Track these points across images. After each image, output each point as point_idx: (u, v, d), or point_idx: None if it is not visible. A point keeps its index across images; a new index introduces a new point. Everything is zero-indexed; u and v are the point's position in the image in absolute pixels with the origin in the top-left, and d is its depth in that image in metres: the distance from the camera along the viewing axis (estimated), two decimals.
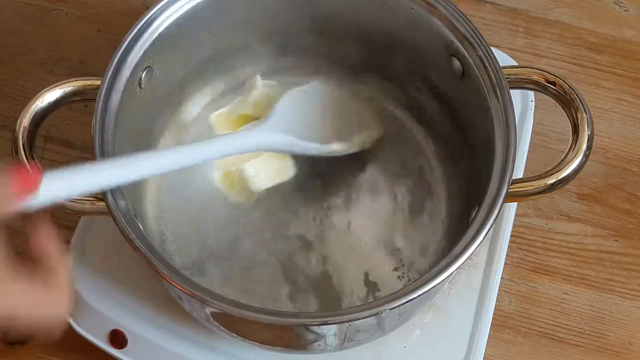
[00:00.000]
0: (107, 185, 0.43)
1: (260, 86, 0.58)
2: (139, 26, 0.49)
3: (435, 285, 0.42)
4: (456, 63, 0.51)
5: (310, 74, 0.59)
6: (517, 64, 0.61)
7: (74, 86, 0.48)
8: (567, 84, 0.48)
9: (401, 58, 0.56)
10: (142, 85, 0.50)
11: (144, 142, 0.54)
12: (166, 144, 0.57)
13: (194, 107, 0.59)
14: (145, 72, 0.50)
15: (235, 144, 0.50)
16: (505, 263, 0.55)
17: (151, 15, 0.49)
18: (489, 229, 0.44)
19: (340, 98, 0.58)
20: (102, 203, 0.44)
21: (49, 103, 0.47)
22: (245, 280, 0.53)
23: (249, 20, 0.56)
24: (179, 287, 0.42)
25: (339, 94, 0.58)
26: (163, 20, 0.50)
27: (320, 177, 0.56)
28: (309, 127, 0.55)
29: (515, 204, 0.57)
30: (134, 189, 0.53)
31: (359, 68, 0.59)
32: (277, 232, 0.54)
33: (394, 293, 0.42)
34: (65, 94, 0.47)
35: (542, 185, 0.46)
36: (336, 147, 0.54)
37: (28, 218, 0.38)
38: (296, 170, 0.56)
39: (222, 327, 0.48)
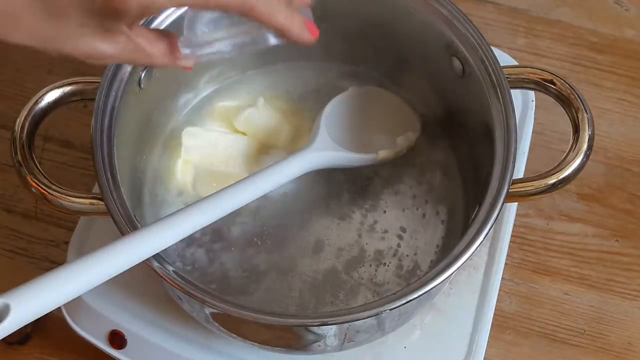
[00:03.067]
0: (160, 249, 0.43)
1: (260, 106, 0.57)
2: None
3: (436, 285, 0.42)
4: (456, 63, 0.51)
5: (308, 71, 0.59)
6: (517, 63, 0.61)
7: (73, 86, 0.48)
8: (567, 83, 0.48)
9: (401, 58, 0.56)
10: (142, 85, 0.50)
11: (143, 142, 0.54)
12: (166, 143, 0.57)
13: (193, 107, 0.58)
14: (144, 72, 0.50)
15: (289, 170, 0.50)
16: (505, 263, 0.55)
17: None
18: (490, 229, 0.44)
19: (376, 101, 0.58)
20: (102, 203, 0.44)
21: (48, 103, 0.47)
22: (244, 277, 0.53)
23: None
24: (179, 288, 0.42)
25: (374, 97, 0.58)
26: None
27: (317, 175, 0.56)
28: (354, 136, 0.55)
29: (516, 204, 0.57)
30: (134, 189, 0.53)
31: (359, 68, 0.59)
32: (277, 234, 0.54)
33: (394, 293, 0.42)
34: (65, 93, 0.47)
35: (542, 185, 0.46)
36: (384, 154, 0.54)
37: None
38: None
39: (221, 328, 0.48)
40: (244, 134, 0.56)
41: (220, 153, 0.55)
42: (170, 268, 0.43)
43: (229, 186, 0.47)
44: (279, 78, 0.60)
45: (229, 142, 0.56)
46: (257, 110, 0.57)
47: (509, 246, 0.55)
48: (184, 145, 0.55)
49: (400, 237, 0.54)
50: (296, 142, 0.57)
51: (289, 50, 0.59)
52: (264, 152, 0.56)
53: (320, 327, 0.44)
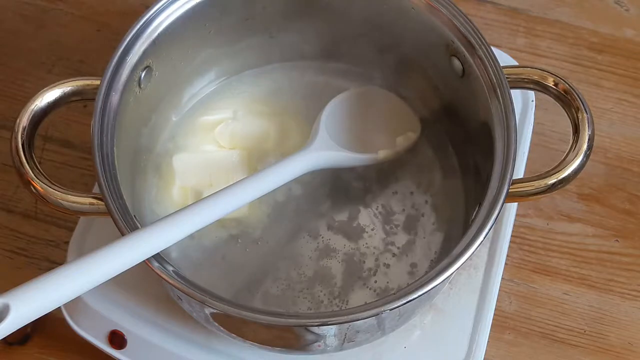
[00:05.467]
0: (160, 248, 0.43)
1: (241, 117, 0.57)
2: (138, 26, 0.49)
3: (436, 285, 0.42)
4: (456, 63, 0.51)
5: (306, 71, 0.59)
6: (517, 63, 0.61)
7: (73, 86, 0.47)
8: (567, 83, 0.48)
9: (401, 58, 0.56)
10: (142, 85, 0.50)
11: (143, 142, 0.54)
12: (165, 144, 0.57)
13: (193, 107, 0.58)
14: (144, 72, 0.50)
15: (289, 170, 0.49)
16: (505, 263, 0.55)
17: (150, 15, 0.49)
18: (490, 229, 0.44)
19: (376, 101, 0.58)
20: (102, 203, 0.44)
21: (48, 103, 0.47)
22: (244, 276, 0.53)
23: (248, 20, 0.56)
24: (179, 288, 0.42)
25: (374, 97, 0.58)
26: (162, 20, 0.50)
27: (316, 175, 0.56)
28: (354, 136, 0.55)
29: (516, 204, 0.57)
30: (134, 190, 0.53)
31: (359, 68, 0.59)
32: (275, 234, 0.54)
33: (394, 293, 0.42)
34: (65, 93, 0.47)
35: (542, 186, 0.46)
36: (384, 154, 0.54)
37: None
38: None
39: (221, 328, 0.48)
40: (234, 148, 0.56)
41: (217, 172, 0.55)
42: (170, 268, 0.43)
43: (229, 186, 0.47)
44: (273, 77, 0.60)
45: (222, 159, 0.55)
46: (238, 123, 0.57)
47: (509, 246, 0.56)
48: (177, 173, 0.55)
49: (399, 237, 0.54)
50: (285, 141, 0.57)
51: (285, 50, 0.59)
52: (259, 159, 0.56)
53: (320, 327, 0.44)
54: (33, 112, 0.46)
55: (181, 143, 0.57)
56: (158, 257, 0.43)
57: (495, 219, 0.44)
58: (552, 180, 0.46)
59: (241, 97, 0.59)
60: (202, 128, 0.57)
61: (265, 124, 0.57)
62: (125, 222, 0.43)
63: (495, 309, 0.53)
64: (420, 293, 0.42)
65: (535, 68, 0.49)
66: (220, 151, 0.56)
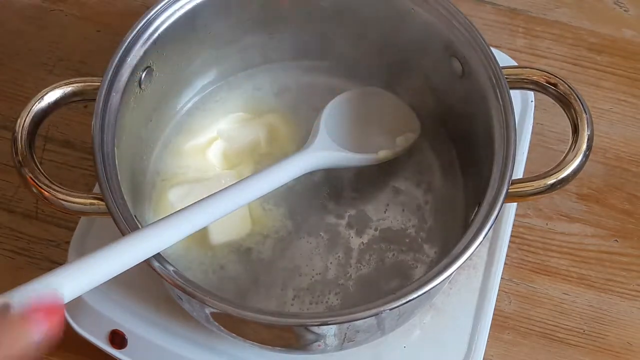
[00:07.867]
0: (154, 252, 0.42)
1: (226, 135, 0.57)
2: (138, 26, 0.49)
3: (435, 285, 0.42)
4: (456, 63, 0.51)
5: (306, 73, 0.60)
6: (517, 64, 0.61)
7: (73, 86, 0.48)
8: (567, 84, 0.48)
9: (401, 58, 0.56)
10: (142, 86, 0.51)
11: (143, 142, 0.54)
12: (166, 144, 0.57)
13: (194, 108, 0.59)
14: (145, 73, 0.50)
15: (289, 170, 0.49)
16: (505, 263, 0.55)
17: (151, 16, 0.49)
18: (489, 229, 0.44)
19: (376, 101, 0.58)
20: (102, 203, 0.44)
21: (48, 103, 0.47)
22: (243, 278, 0.53)
23: (248, 20, 0.56)
24: (179, 288, 0.42)
25: (374, 97, 0.58)
26: (163, 21, 0.50)
27: (316, 175, 0.56)
28: (354, 136, 0.55)
29: (515, 204, 0.57)
30: (134, 190, 0.53)
31: (359, 68, 0.59)
32: (274, 233, 0.54)
33: (393, 293, 0.42)
34: (65, 94, 0.47)
35: (542, 186, 0.46)
36: (384, 154, 0.54)
37: None
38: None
39: (221, 328, 0.48)
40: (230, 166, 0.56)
41: (238, 218, 0.54)
42: (171, 268, 0.44)
43: (229, 186, 0.47)
44: (265, 78, 0.60)
45: (221, 180, 0.54)
46: (226, 141, 0.56)
47: (508, 246, 0.56)
48: (175, 207, 0.52)
49: (399, 237, 0.54)
50: (276, 140, 0.57)
51: (283, 49, 0.59)
52: (257, 166, 0.56)
53: (320, 327, 0.44)
54: (34, 113, 0.46)
55: (171, 172, 0.56)
56: (158, 257, 0.43)
57: (495, 219, 0.44)
58: (551, 180, 0.46)
59: (229, 103, 0.59)
60: (191, 154, 0.57)
61: (251, 129, 0.57)
62: (126, 222, 0.44)
63: (495, 309, 0.54)
64: (420, 293, 0.42)
65: (535, 68, 0.49)
66: (214, 174, 0.55)
